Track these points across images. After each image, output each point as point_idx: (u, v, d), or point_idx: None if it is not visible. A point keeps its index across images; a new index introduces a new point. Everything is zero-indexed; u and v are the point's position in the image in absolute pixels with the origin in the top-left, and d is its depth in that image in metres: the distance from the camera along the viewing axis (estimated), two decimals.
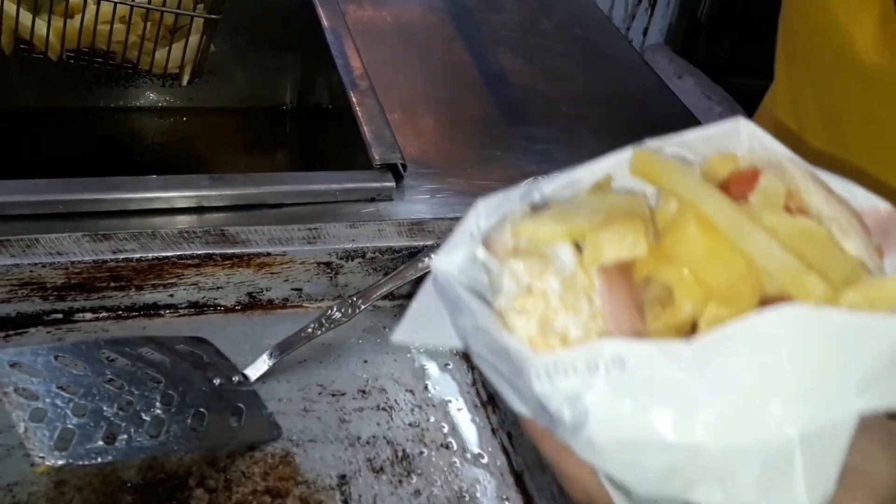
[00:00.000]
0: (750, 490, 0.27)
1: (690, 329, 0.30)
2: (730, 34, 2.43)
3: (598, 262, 0.30)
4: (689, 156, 0.34)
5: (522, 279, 0.30)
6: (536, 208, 0.33)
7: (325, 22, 1.02)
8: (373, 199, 0.79)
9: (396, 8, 1.14)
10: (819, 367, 0.27)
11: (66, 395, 0.58)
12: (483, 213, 0.33)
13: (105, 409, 0.58)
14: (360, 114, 0.87)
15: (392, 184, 0.79)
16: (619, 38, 1.17)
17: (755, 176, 0.32)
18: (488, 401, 0.68)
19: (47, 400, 0.57)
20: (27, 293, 0.66)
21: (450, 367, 0.70)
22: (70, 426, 0.56)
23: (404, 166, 0.81)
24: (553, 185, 0.34)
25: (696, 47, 2.43)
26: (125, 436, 0.57)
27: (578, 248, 0.30)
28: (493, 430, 0.66)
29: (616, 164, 0.34)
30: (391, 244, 0.73)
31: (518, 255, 0.30)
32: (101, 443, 0.56)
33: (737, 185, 0.32)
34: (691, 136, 0.34)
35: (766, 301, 0.29)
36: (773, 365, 0.26)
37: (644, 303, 0.30)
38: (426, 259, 0.71)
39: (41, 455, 0.54)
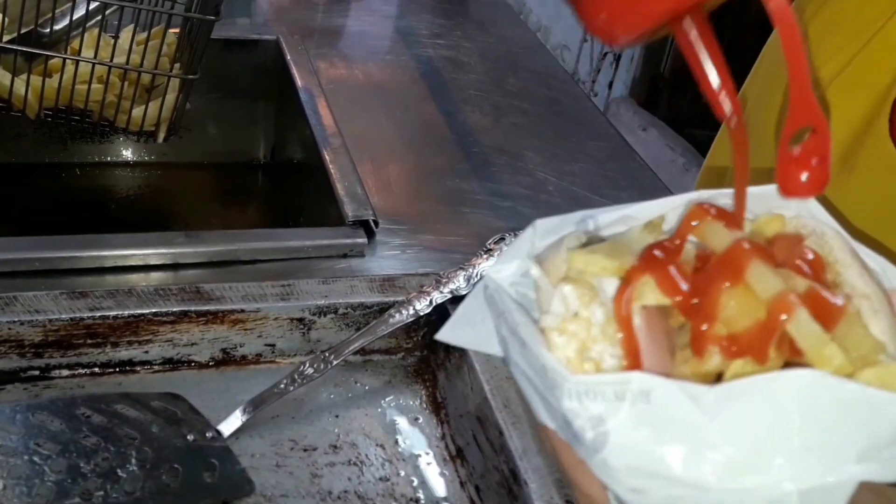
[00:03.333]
0: None
1: (715, 379, 0.32)
2: (691, 87, 2.49)
3: (640, 302, 0.32)
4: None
5: (571, 305, 0.32)
6: (591, 237, 0.36)
7: (298, 81, 1.05)
8: (345, 255, 0.81)
9: (368, 66, 1.17)
10: (824, 431, 0.29)
11: (44, 452, 0.59)
12: (540, 232, 0.36)
13: (82, 465, 0.59)
14: (332, 171, 0.90)
15: (364, 240, 0.81)
16: (582, 97, 1.21)
17: (798, 242, 0.34)
18: (457, 454, 0.69)
19: (25, 457, 0.58)
20: (5, 350, 0.67)
21: (419, 421, 0.72)
22: (48, 483, 0.57)
23: (376, 223, 0.83)
24: (608, 217, 0.36)
25: (660, 100, 2.49)
26: (101, 493, 0.58)
27: (626, 285, 0.33)
28: (462, 483, 0.68)
29: (670, 207, 0.36)
30: (363, 300, 0.75)
31: (570, 282, 0.33)
32: (77, 500, 0.57)
33: (781, 247, 0.34)
34: (747, 191, 0.36)
35: (789, 366, 0.31)
36: (783, 421, 0.28)
37: (676, 347, 0.33)
38: (397, 315, 0.73)
39: None
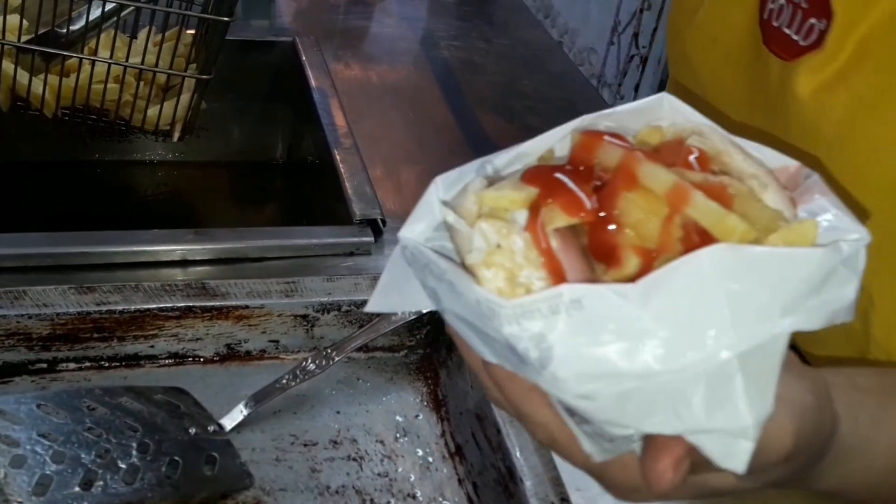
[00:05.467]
0: (699, 412, 0.31)
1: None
2: None
3: (552, 225, 0.34)
4: (619, 129, 0.38)
5: (491, 238, 0.34)
6: (492, 179, 0.37)
7: (312, 81, 1.06)
8: (352, 254, 0.81)
9: (383, 68, 1.18)
10: (746, 295, 0.30)
11: (46, 443, 0.60)
12: (442, 187, 0.37)
13: (83, 456, 0.60)
14: (342, 170, 0.91)
15: (371, 239, 0.82)
16: (597, 98, 1.21)
17: (680, 144, 0.36)
18: (456, 451, 0.70)
19: (27, 447, 0.59)
20: (13, 343, 0.69)
21: (420, 418, 0.73)
22: (48, 472, 0.58)
23: (384, 221, 0.84)
24: (504, 158, 0.37)
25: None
26: (101, 483, 0.59)
27: (535, 213, 0.34)
28: (460, 481, 0.68)
29: (559, 138, 0.38)
30: (366, 297, 0.75)
31: (485, 219, 0.34)
32: (77, 489, 0.58)
33: (667, 153, 0.35)
34: (620, 110, 0.38)
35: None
36: (707, 295, 0.30)
37: (594, 262, 0.34)
38: (399, 312, 0.73)
39: (19, 500, 0.56)
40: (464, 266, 0.34)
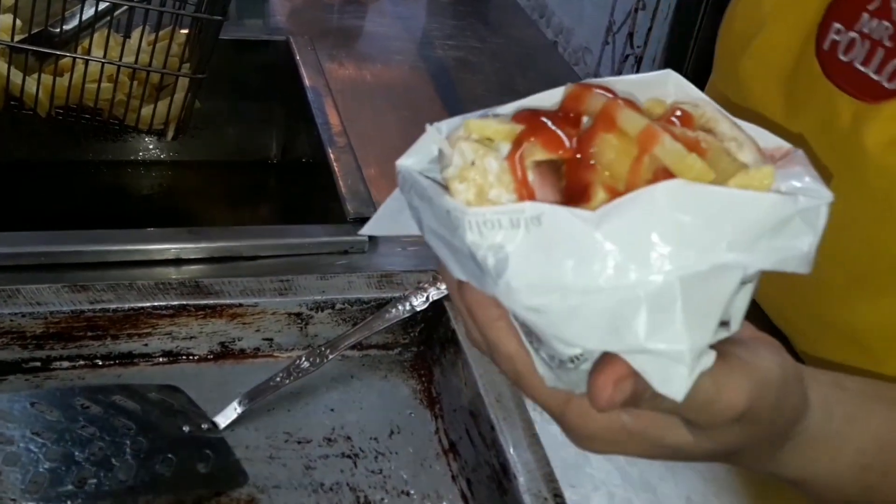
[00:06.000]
0: (639, 331, 0.32)
1: None
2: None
3: (531, 157, 0.35)
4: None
5: (468, 156, 0.35)
6: (486, 118, 0.39)
7: (306, 81, 1.06)
8: (346, 252, 0.82)
9: (377, 67, 1.18)
10: (694, 227, 0.32)
11: (40, 441, 0.60)
12: (444, 127, 0.39)
13: (76, 454, 0.60)
14: (336, 169, 0.91)
15: (365, 237, 0.82)
16: None
17: (674, 111, 0.37)
18: (450, 448, 0.70)
19: (21, 445, 0.59)
20: (7, 342, 0.69)
21: (414, 415, 0.73)
22: (42, 470, 0.58)
23: None
24: (506, 108, 0.39)
25: None
26: (95, 480, 0.59)
27: (517, 146, 0.36)
28: (454, 477, 0.68)
29: (560, 94, 0.39)
30: (360, 296, 0.76)
31: (467, 140, 0.36)
32: (71, 487, 0.58)
33: (664, 119, 0.37)
34: (626, 79, 0.39)
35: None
36: (656, 224, 0.32)
37: (567, 201, 0.36)
38: (393, 310, 0.74)
39: (13, 498, 0.56)
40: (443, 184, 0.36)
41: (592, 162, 0.34)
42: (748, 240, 0.32)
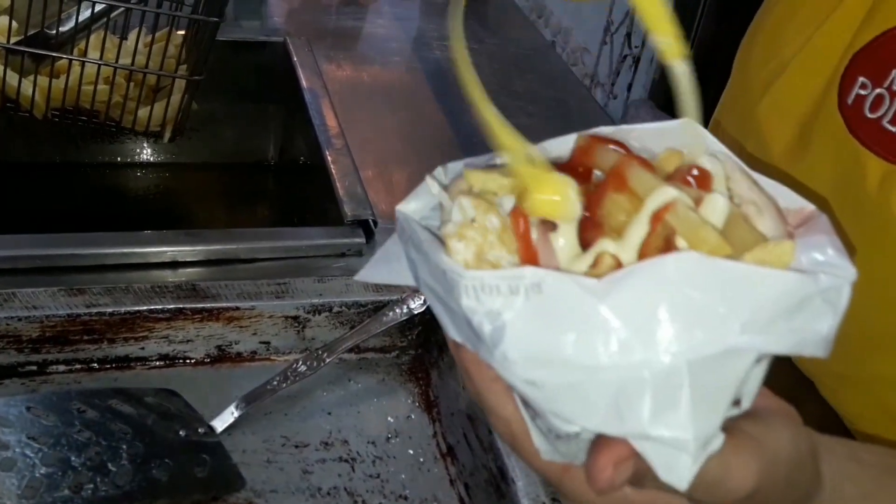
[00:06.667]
0: (642, 416, 0.30)
1: None
2: (712, 89, 2.48)
3: (535, 215, 0.33)
4: (640, 148, 0.37)
5: (469, 212, 0.34)
6: (490, 168, 0.37)
7: (303, 82, 1.06)
8: (343, 255, 0.81)
9: (375, 68, 1.18)
10: (706, 306, 0.30)
11: (36, 446, 0.60)
12: (450, 172, 0.38)
13: (73, 459, 0.60)
14: (334, 171, 0.91)
15: (362, 240, 0.82)
16: (589, 98, 1.21)
17: (691, 168, 0.35)
18: (448, 452, 0.70)
19: (17, 449, 0.59)
20: (3, 346, 0.68)
21: (412, 419, 0.73)
22: (38, 475, 0.58)
23: (375, 222, 0.84)
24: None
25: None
26: (91, 485, 0.59)
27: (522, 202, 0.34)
28: (452, 481, 0.68)
29: (565, 146, 0.38)
30: (357, 299, 0.75)
31: (468, 195, 0.34)
32: (67, 492, 0.58)
33: (675, 175, 0.35)
34: (641, 128, 0.37)
35: None
36: (666, 299, 0.30)
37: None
38: (391, 313, 0.73)
39: (9, 503, 0.56)
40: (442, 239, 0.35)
41: (600, 224, 0.32)
42: (764, 321, 0.30)
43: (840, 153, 0.59)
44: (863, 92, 0.57)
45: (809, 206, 0.35)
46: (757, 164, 0.45)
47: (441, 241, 0.34)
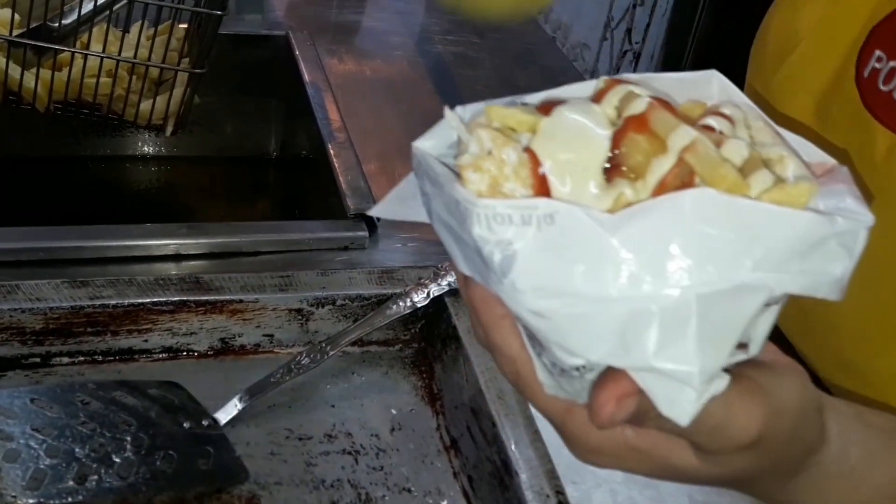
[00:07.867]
0: (647, 348, 0.30)
1: None
2: None
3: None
4: (662, 94, 0.36)
5: (486, 144, 0.33)
6: (510, 105, 0.37)
7: (305, 76, 1.06)
8: (346, 248, 0.81)
9: (377, 62, 1.18)
10: (719, 241, 0.30)
11: (40, 437, 0.60)
12: (466, 112, 0.37)
13: (77, 450, 0.60)
14: (336, 165, 0.91)
15: (365, 233, 0.82)
16: None
17: (713, 114, 0.34)
18: (451, 445, 0.70)
19: (21, 441, 0.59)
20: (6, 337, 0.68)
21: (415, 411, 0.73)
22: (42, 467, 0.58)
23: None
24: (533, 98, 0.37)
25: None
26: (95, 477, 0.59)
27: None
28: (455, 474, 0.68)
29: (587, 90, 0.37)
30: (361, 292, 0.75)
31: (487, 128, 0.34)
32: (71, 483, 0.58)
33: (700, 123, 0.34)
34: (667, 76, 0.37)
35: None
36: (679, 234, 0.30)
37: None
38: (394, 306, 0.73)
39: (13, 494, 0.56)
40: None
41: (619, 163, 0.32)
42: (777, 260, 0.30)
43: (854, 126, 0.58)
44: (878, 65, 0.56)
45: (831, 160, 0.35)
46: (780, 118, 0.44)
47: (456, 174, 0.34)
